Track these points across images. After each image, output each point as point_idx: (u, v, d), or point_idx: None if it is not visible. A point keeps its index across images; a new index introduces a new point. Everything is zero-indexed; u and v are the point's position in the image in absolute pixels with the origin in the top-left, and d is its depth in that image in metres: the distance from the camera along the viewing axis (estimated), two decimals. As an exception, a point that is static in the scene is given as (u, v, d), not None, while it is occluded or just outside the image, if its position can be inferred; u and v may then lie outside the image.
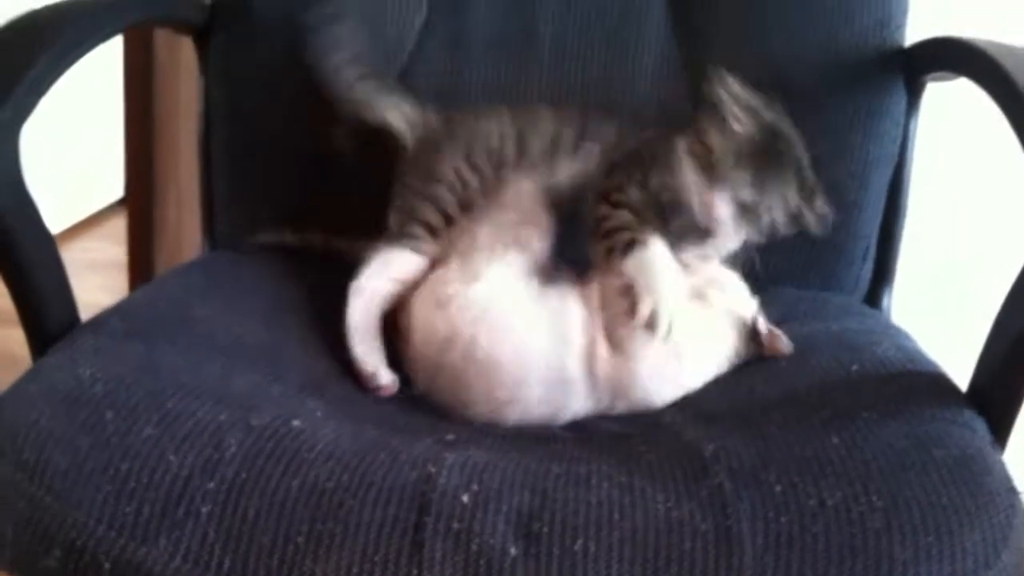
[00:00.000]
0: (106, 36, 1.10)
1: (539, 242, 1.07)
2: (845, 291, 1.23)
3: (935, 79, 1.21)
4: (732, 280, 1.07)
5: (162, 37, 1.63)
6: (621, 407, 1.00)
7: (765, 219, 1.04)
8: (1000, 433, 0.90)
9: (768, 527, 0.76)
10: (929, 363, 1.00)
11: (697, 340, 1.01)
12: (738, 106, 1.05)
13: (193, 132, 1.33)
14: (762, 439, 0.87)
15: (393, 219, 1.13)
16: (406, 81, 1.24)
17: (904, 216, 1.24)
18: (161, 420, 0.83)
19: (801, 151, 1.06)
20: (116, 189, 2.87)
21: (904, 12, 1.23)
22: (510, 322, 1.00)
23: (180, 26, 1.32)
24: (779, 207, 1.04)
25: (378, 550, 0.75)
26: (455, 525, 0.76)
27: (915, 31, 1.23)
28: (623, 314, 1.00)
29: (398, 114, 1.18)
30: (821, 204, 1.07)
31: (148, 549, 0.75)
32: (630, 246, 1.02)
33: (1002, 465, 0.84)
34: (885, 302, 1.24)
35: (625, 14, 1.25)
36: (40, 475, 0.79)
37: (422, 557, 0.74)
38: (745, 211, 1.03)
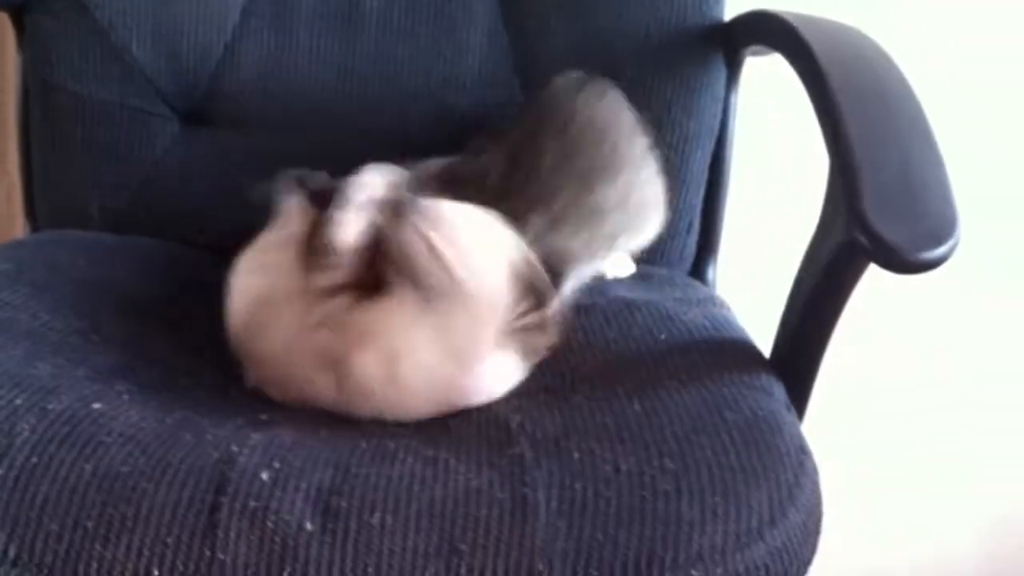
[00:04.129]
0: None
1: None
2: (671, 264, 1.24)
3: (754, 53, 1.24)
4: None
5: (-14, 14, 1.57)
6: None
7: None
8: (798, 396, 0.93)
9: (563, 493, 0.78)
10: (736, 330, 1.03)
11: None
12: None
13: (20, 111, 1.28)
14: (568, 409, 0.89)
15: None
16: (231, 60, 1.22)
17: (726, 190, 1.26)
18: (-50, 408, 0.80)
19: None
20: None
21: (725, -14, 1.25)
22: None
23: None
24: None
25: (171, 532, 0.74)
26: (252, 503, 0.76)
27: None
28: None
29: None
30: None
31: (-71, 540, 0.73)
32: None
33: (795, 426, 0.87)
34: (710, 275, 1.27)
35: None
36: None
37: (215, 536, 0.74)
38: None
